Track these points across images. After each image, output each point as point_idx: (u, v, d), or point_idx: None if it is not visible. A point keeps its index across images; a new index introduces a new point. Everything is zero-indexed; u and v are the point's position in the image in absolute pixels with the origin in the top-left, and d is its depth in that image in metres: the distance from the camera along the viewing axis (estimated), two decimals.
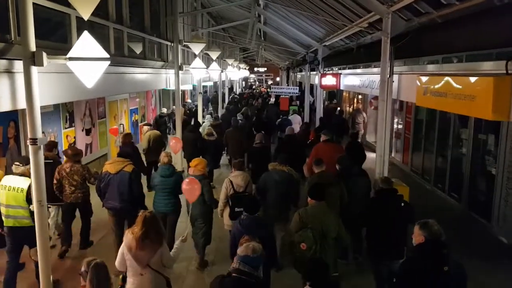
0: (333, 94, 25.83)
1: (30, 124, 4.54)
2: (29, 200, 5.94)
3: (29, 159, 4.74)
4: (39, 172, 4.68)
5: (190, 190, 6.09)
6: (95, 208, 8.14)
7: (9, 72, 4.82)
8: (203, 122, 15.74)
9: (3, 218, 6.33)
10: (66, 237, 7.90)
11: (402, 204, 5.96)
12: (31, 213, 5.67)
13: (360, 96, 20.19)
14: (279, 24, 17.87)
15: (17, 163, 6.34)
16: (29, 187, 5.64)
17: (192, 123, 15.17)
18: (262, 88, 46.38)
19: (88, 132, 12.15)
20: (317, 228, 5.53)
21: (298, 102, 22.80)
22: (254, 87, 54.28)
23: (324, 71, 16.50)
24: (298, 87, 24.19)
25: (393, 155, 14.86)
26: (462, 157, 10.45)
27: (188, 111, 20.26)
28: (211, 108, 26.52)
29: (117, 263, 4.89)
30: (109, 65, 4.79)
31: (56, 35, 6.69)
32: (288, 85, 33.50)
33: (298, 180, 7.76)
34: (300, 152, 10.59)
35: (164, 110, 18.38)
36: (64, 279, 6.87)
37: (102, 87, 7.27)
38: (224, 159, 13.91)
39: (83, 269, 4.01)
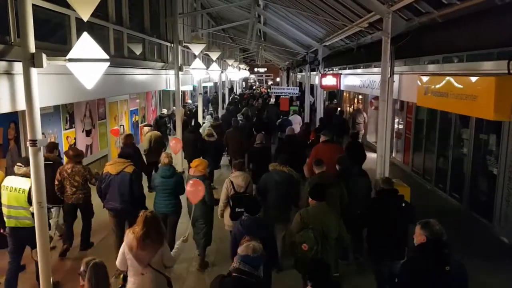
0: (333, 94, 25.81)
1: (30, 125, 4.53)
2: (30, 201, 5.94)
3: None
4: (39, 173, 4.68)
5: (194, 191, 6.10)
6: (96, 209, 8.13)
7: (8, 73, 4.81)
8: (204, 122, 15.73)
9: (5, 218, 6.34)
10: (68, 236, 7.92)
11: (403, 204, 5.95)
12: (33, 214, 5.67)
13: (360, 96, 20.18)
14: (279, 25, 17.86)
15: (19, 164, 6.36)
16: (31, 188, 5.64)
17: (192, 124, 15.16)
18: (263, 89, 46.37)
19: (88, 133, 12.14)
20: (318, 229, 5.53)
21: (298, 103, 22.78)
22: (254, 87, 54.27)
23: (324, 71, 16.49)
24: (298, 88, 24.18)
25: (393, 155, 14.84)
26: (463, 157, 10.43)
27: (188, 112, 20.26)
28: (211, 109, 26.51)
29: (118, 262, 4.89)
30: (109, 66, 4.78)
31: (55, 36, 6.68)
32: (288, 86, 33.49)
33: (299, 180, 7.75)
34: (300, 152, 10.58)
35: (165, 111, 18.37)
36: (64, 280, 6.86)
37: (102, 88, 7.26)
38: (224, 159, 13.90)
39: (82, 268, 4.01)
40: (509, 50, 5.53)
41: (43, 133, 9.19)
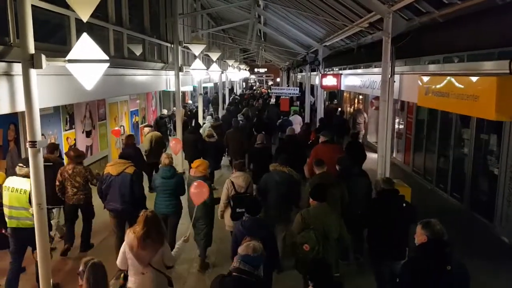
0: (334, 94, 25.80)
1: (29, 126, 4.51)
2: (31, 201, 5.95)
3: None
4: (39, 175, 4.66)
5: (198, 193, 6.12)
6: (96, 210, 8.13)
7: (8, 74, 4.79)
8: (204, 123, 15.72)
9: (6, 219, 6.36)
10: (70, 236, 7.95)
11: (404, 204, 5.95)
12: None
13: (360, 97, 20.16)
14: (279, 25, 17.85)
15: (21, 164, 6.37)
16: None
17: (193, 124, 15.15)
18: (263, 89, 46.34)
19: (88, 134, 12.12)
20: (320, 229, 5.53)
21: (298, 103, 22.77)
22: (254, 88, 54.25)
23: (325, 72, 16.48)
24: (298, 88, 24.18)
25: (394, 155, 14.80)
26: (464, 157, 10.41)
27: (189, 112, 20.25)
28: (212, 109, 26.51)
29: (118, 261, 4.91)
30: (109, 67, 4.76)
31: (55, 37, 6.67)
32: (288, 86, 33.48)
33: (299, 180, 7.74)
34: (301, 152, 10.57)
35: (165, 112, 18.38)
36: (64, 282, 6.85)
37: (101, 89, 7.25)
38: (225, 160, 13.89)
39: (80, 268, 4.00)
40: (510, 50, 5.52)
41: (43, 134, 9.18)
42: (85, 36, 4.52)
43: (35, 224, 4.80)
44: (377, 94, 10.62)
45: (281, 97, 21.97)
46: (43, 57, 4.39)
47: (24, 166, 6.24)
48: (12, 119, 8.47)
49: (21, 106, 4.76)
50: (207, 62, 20.30)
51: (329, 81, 15.79)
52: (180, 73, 12.53)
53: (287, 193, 7.39)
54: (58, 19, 6.66)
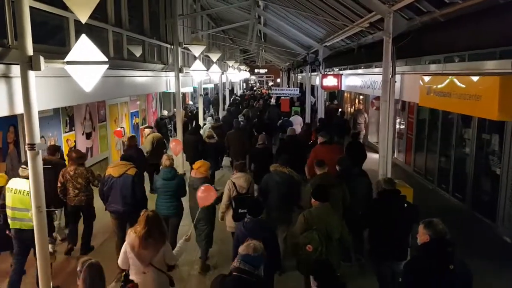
0: (334, 94, 25.78)
1: (28, 129, 4.48)
2: None
3: None
4: (38, 177, 4.63)
5: (205, 197, 6.10)
6: (96, 213, 8.11)
7: (6, 76, 4.78)
8: (204, 124, 15.69)
9: (9, 220, 6.40)
10: (72, 236, 7.98)
11: (405, 205, 5.93)
12: None
13: (361, 97, 20.13)
14: (279, 25, 17.83)
15: (24, 166, 6.39)
16: None
17: (193, 125, 15.12)
18: (264, 90, 46.31)
19: (88, 136, 12.09)
20: (322, 230, 5.53)
21: (299, 103, 22.74)
22: (255, 88, 54.24)
23: (325, 72, 16.44)
24: (298, 88, 24.15)
25: (395, 155, 14.78)
26: (465, 157, 10.37)
27: (189, 114, 20.23)
28: (212, 110, 26.50)
29: (119, 261, 4.93)
30: (108, 68, 4.73)
31: (54, 39, 6.64)
32: (288, 86, 33.45)
33: (299, 181, 7.71)
34: (301, 153, 10.54)
35: (165, 113, 18.38)
36: (64, 284, 6.80)
37: (101, 91, 7.22)
38: (225, 160, 13.86)
39: (78, 268, 3.98)
40: None
41: (42, 137, 9.17)
42: (84, 37, 4.49)
43: (34, 227, 4.77)
44: (378, 94, 10.59)
45: (281, 97, 21.95)
46: (42, 58, 4.36)
47: (27, 168, 6.23)
48: (12, 121, 8.45)
49: (19, 109, 4.73)
50: (207, 63, 20.28)
51: (330, 81, 15.77)
52: (180, 74, 12.51)
53: (288, 194, 7.36)
54: (57, 21, 6.63)
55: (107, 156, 13.44)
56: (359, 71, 14.05)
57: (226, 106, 25.54)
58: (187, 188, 7.60)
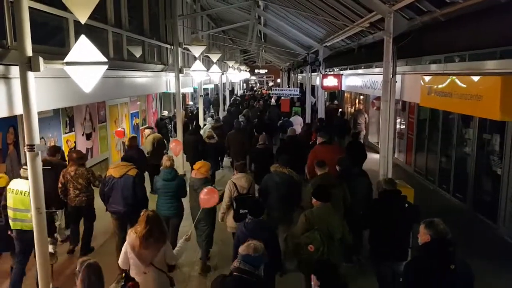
0: (334, 95, 25.76)
1: (27, 130, 4.46)
2: None
3: None
4: (37, 179, 4.60)
5: (208, 199, 6.10)
6: (96, 214, 8.10)
7: (5, 77, 4.76)
8: (205, 124, 15.68)
9: (10, 221, 6.41)
10: (75, 236, 8.01)
11: (406, 205, 5.93)
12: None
13: (361, 97, 20.11)
14: (279, 25, 17.82)
15: (25, 167, 6.36)
16: None
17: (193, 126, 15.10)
18: (264, 90, 46.31)
19: (88, 136, 12.07)
20: (324, 230, 5.53)
21: (299, 103, 22.73)
22: (255, 89, 54.21)
23: (325, 72, 16.42)
24: (298, 89, 24.13)
25: (396, 155, 14.76)
26: (466, 157, 10.35)
27: (190, 114, 20.21)
28: (213, 111, 26.49)
29: (120, 261, 4.95)
30: (108, 69, 4.71)
31: (53, 39, 6.62)
32: (289, 87, 33.44)
33: (299, 181, 7.70)
34: (302, 153, 10.50)
35: (165, 113, 18.36)
36: (64, 285, 6.78)
37: (101, 92, 7.21)
38: (226, 161, 13.85)
39: (77, 268, 3.96)
40: None
41: (42, 138, 9.15)
42: (83, 38, 4.46)
43: (34, 228, 4.75)
44: (378, 94, 10.57)
45: (282, 98, 21.94)
46: (41, 59, 4.34)
47: None
48: (12, 122, 8.43)
49: (19, 110, 4.71)
50: (207, 63, 20.26)
51: (330, 81, 15.74)
52: (180, 74, 12.49)
53: (288, 194, 7.36)
54: (56, 21, 6.61)
55: (107, 157, 13.42)
56: (360, 71, 14.02)
57: (227, 107, 25.52)
58: (187, 189, 7.58)
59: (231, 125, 13.85)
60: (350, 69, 15.57)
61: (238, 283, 3.93)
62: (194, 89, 22.17)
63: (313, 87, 20.81)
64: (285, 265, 6.60)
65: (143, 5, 11.61)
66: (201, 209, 6.28)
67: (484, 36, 6.26)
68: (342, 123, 16.53)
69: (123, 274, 4.78)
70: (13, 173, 7.83)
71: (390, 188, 6.03)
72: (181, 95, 13.23)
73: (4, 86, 4.74)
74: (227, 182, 7.40)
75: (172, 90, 13.30)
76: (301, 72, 26.58)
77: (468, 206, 10.07)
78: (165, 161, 7.71)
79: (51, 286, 4.99)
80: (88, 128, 12.08)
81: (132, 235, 4.81)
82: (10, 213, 6.39)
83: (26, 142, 4.48)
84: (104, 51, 6.42)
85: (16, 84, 4.64)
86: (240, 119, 16.13)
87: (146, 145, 11.66)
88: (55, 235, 7.04)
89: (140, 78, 10.57)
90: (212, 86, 30.02)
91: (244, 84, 57.15)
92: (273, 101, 25.59)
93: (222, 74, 24.83)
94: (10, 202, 6.37)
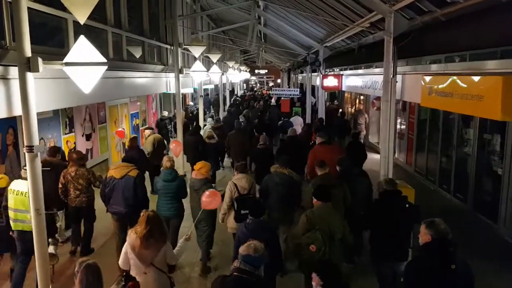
0: (334, 95, 25.75)
1: (26, 131, 4.44)
2: None
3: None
4: (36, 180, 4.58)
5: (210, 202, 6.07)
6: (96, 214, 8.09)
7: (4, 78, 4.74)
8: (205, 125, 15.66)
9: (11, 222, 6.41)
10: (76, 237, 8.00)
11: (407, 205, 5.92)
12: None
13: (361, 97, 20.09)
14: (279, 26, 17.81)
15: (26, 167, 6.34)
16: None
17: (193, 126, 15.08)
18: (264, 91, 46.29)
19: (88, 137, 12.05)
20: (325, 229, 5.53)
21: (299, 104, 22.71)
22: (255, 89, 54.21)
23: (326, 72, 16.39)
24: (298, 89, 24.12)
25: (396, 155, 14.74)
26: (467, 157, 10.33)
27: (190, 114, 20.20)
28: (213, 111, 26.49)
29: (120, 262, 4.95)
30: (108, 69, 4.69)
31: (52, 40, 6.60)
32: (289, 87, 33.43)
33: (299, 182, 7.69)
34: (302, 153, 10.49)
35: (165, 113, 18.34)
36: (65, 286, 6.76)
37: (100, 92, 7.19)
38: (226, 161, 13.84)
39: (76, 269, 3.95)
40: None
41: (42, 138, 9.14)
42: (82, 38, 4.44)
43: (33, 230, 4.73)
44: (379, 95, 10.56)
45: (281, 98, 21.93)
46: (40, 60, 4.32)
47: None
48: (11, 123, 8.41)
49: (17, 110, 4.70)
50: (207, 63, 20.25)
51: (330, 81, 15.72)
52: (180, 75, 12.47)
53: (288, 195, 7.35)
54: (55, 22, 6.59)
55: (107, 157, 13.41)
56: (360, 71, 14.00)
57: (227, 107, 25.51)
58: (187, 190, 7.56)
59: (231, 125, 13.83)
60: (351, 69, 15.55)
61: (238, 283, 3.93)
62: (194, 90, 22.15)
63: (313, 87, 20.80)
64: (286, 266, 6.60)
65: (142, 5, 11.59)
66: (202, 209, 6.28)
67: (485, 36, 6.25)
68: (342, 123, 16.51)
69: (123, 275, 4.78)
70: (13, 174, 7.82)
71: (390, 188, 6.02)
72: (181, 96, 13.21)
73: (3, 87, 4.73)
74: (227, 183, 7.39)
75: (172, 90, 13.28)
76: (301, 72, 26.57)
77: (468, 206, 10.05)
78: (165, 162, 7.69)
79: (50, 287, 4.96)
80: (88, 129, 12.07)
81: (132, 236, 4.81)
82: (11, 214, 6.39)
83: (25, 143, 4.46)
84: (103, 51, 6.41)
85: (15, 85, 4.62)
86: (240, 120, 16.11)
87: (146, 146, 11.65)
88: (56, 235, 7.05)
89: (140, 78, 10.55)
90: (212, 86, 30.01)
91: (244, 85, 57.13)
92: (273, 101, 25.58)
93: (222, 74, 24.82)
94: (11, 203, 6.37)
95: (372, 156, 14.30)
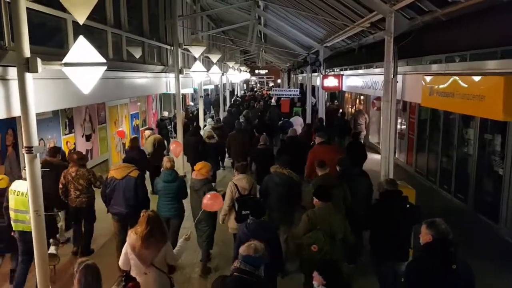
0: (335, 95, 25.74)
1: (25, 132, 4.41)
2: None
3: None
4: (36, 181, 4.55)
5: (211, 204, 6.07)
6: (96, 215, 8.08)
7: (3, 79, 4.72)
8: (205, 125, 15.65)
9: (12, 222, 6.42)
10: (77, 237, 8.01)
11: (407, 205, 5.91)
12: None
13: (362, 97, 20.08)
14: (279, 26, 17.79)
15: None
16: None
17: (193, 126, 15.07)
18: (264, 91, 46.29)
19: (88, 138, 12.04)
20: (326, 229, 5.54)
21: (299, 104, 22.70)
22: (255, 89, 54.20)
23: (326, 73, 16.38)
24: (298, 89, 24.11)
25: (396, 156, 14.71)
26: (468, 157, 10.31)
27: (190, 115, 20.19)
28: (213, 111, 26.48)
29: (120, 262, 4.96)
30: (108, 70, 4.68)
31: (51, 40, 6.58)
32: (289, 87, 33.42)
33: (299, 182, 7.68)
34: (302, 153, 10.48)
35: (166, 114, 18.33)
36: (65, 287, 6.76)
37: (100, 93, 7.17)
38: (227, 161, 13.82)
39: (75, 269, 3.95)
40: None
41: (41, 139, 9.12)
42: (81, 39, 4.42)
43: (32, 231, 4.71)
44: (379, 95, 10.55)
45: (281, 98, 21.91)
46: (39, 60, 4.29)
47: None
48: (11, 124, 8.40)
49: (16, 111, 4.68)
50: (208, 64, 20.23)
51: (331, 82, 15.70)
52: (180, 75, 12.45)
53: (287, 195, 7.34)
54: (55, 22, 6.57)
55: (107, 158, 13.40)
56: (360, 71, 13.99)
57: (227, 107, 25.49)
58: (188, 190, 7.55)
59: (231, 125, 13.82)
60: (351, 69, 15.54)
61: (239, 283, 3.94)
62: (194, 90, 22.14)
63: (313, 88, 20.78)
64: (286, 267, 6.58)
65: (142, 5, 11.57)
66: (202, 210, 6.26)
67: (486, 36, 6.23)
68: (342, 124, 16.50)
69: (124, 275, 4.76)
70: (12, 175, 7.80)
71: (391, 188, 6.03)
72: (181, 96, 13.20)
73: (2, 87, 4.70)
74: (228, 183, 7.38)
75: (172, 91, 13.26)
76: (302, 72, 26.56)
77: (469, 207, 10.04)
78: (165, 162, 7.68)
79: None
80: (88, 130, 12.06)
81: (132, 236, 4.82)
82: (12, 214, 6.40)
83: (24, 144, 4.44)
84: (103, 52, 6.39)
85: (14, 85, 4.61)
86: (241, 120, 16.09)
87: (146, 146, 11.64)
88: (57, 236, 7.04)
89: (140, 79, 10.54)
90: (212, 86, 30.00)
91: (245, 85, 57.11)
92: (273, 101, 25.58)
93: (222, 74, 24.80)
94: (11, 203, 6.39)
95: (373, 156, 14.29)
